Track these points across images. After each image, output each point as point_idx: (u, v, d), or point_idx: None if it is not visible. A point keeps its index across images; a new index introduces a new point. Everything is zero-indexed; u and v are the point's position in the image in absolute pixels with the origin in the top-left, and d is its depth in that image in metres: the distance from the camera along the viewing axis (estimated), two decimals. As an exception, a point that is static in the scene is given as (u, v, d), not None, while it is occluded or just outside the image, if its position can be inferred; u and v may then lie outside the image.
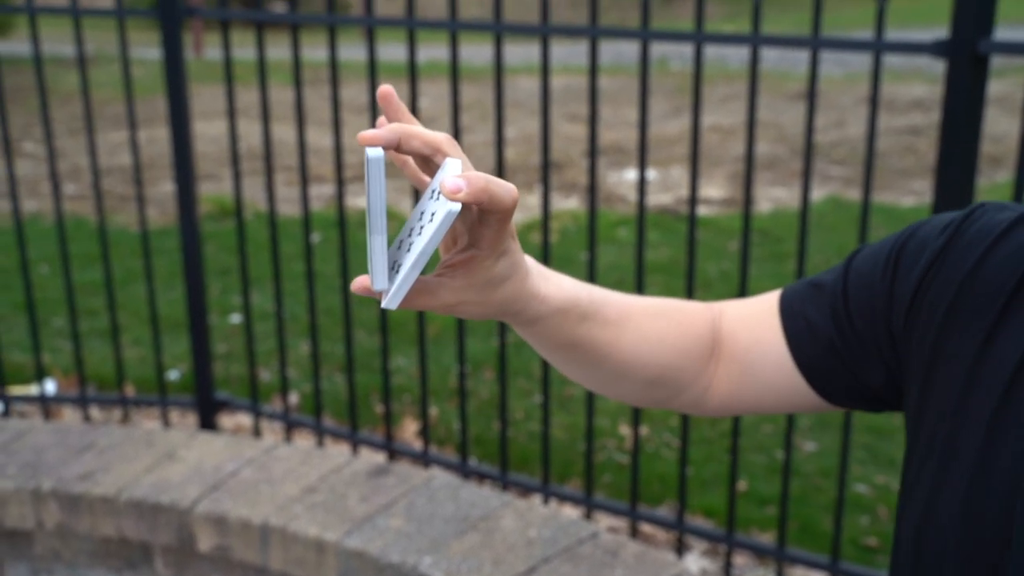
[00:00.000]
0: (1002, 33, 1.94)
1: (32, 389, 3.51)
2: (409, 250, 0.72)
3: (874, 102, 2.05)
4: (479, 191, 0.70)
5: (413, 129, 0.75)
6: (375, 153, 0.71)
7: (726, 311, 1.00)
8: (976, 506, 0.73)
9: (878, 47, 1.98)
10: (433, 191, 0.74)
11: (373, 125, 2.58)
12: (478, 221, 0.76)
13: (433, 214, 0.71)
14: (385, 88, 0.79)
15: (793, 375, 0.93)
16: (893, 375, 0.87)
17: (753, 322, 0.96)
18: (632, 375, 0.94)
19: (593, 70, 2.25)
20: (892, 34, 10.58)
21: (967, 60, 1.86)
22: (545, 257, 2.27)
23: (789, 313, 0.94)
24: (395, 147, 0.74)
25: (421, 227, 0.72)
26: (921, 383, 0.81)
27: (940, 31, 10.60)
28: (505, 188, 0.72)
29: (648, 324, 0.94)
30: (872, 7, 2.36)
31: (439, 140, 0.76)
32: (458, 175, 0.71)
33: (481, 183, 0.70)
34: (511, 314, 0.83)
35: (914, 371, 0.83)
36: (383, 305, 0.73)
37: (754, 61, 2.12)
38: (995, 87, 8.27)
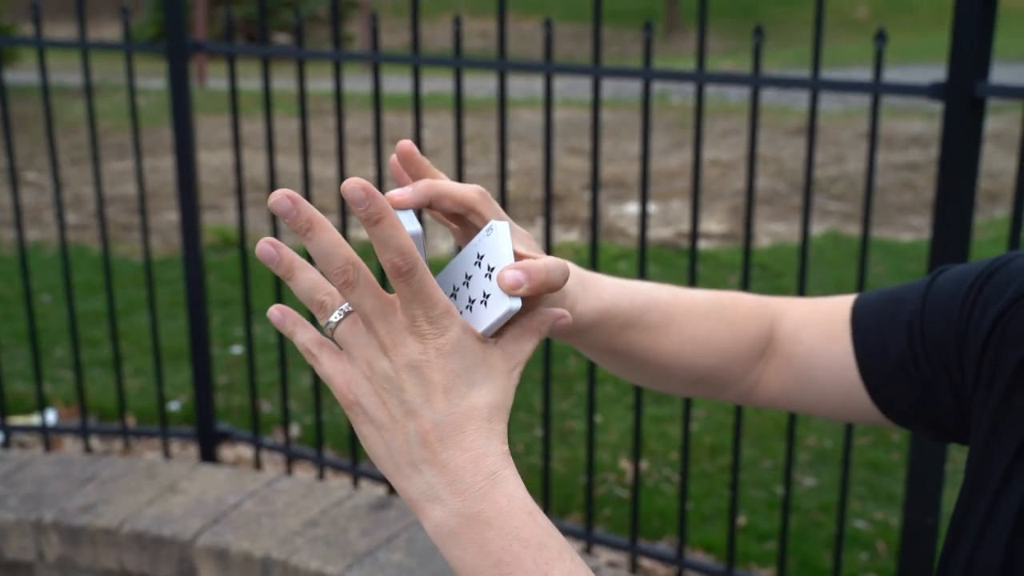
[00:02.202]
0: (999, 70, 1.96)
1: (33, 419, 3.51)
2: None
3: (873, 140, 2.07)
4: (540, 284, 0.67)
5: (443, 187, 0.72)
6: (414, 228, 0.66)
7: (788, 311, 0.96)
8: (1017, 555, 0.70)
9: (876, 89, 2.01)
10: (479, 257, 0.69)
11: (376, 156, 2.61)
12: None
13: (487, 296, 0.67)
14: (405, 144, 0.75)
15: (855, 388, 0.90)
16: (960, 402, 0.83)
17: (819, 328, 0.93)
18: (675, 376, 0.92)
19: (596, 108, 2.27)
20: (891, 73, 10.64)
21: (964, 103, 1.89)
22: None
23: (862, 325, 0.90)
24: (425, 207, 0.71)
25: (471, 299, 0.69)
26: (992, 419, 0.77)
27: (938, 68, 10.66)
28: (562, 272, 0.69)
29: (693, 326, 0.91)
30: (871, 43, 2.42)
31: (472, 199, 0.72)
32: (516, 268, 0.67)
33: (542, 276, 0.67)
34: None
35: (985, 406, 0.79)
36: None
37: (755, 101, 2.14)
38: (992, 124, 8.33)
